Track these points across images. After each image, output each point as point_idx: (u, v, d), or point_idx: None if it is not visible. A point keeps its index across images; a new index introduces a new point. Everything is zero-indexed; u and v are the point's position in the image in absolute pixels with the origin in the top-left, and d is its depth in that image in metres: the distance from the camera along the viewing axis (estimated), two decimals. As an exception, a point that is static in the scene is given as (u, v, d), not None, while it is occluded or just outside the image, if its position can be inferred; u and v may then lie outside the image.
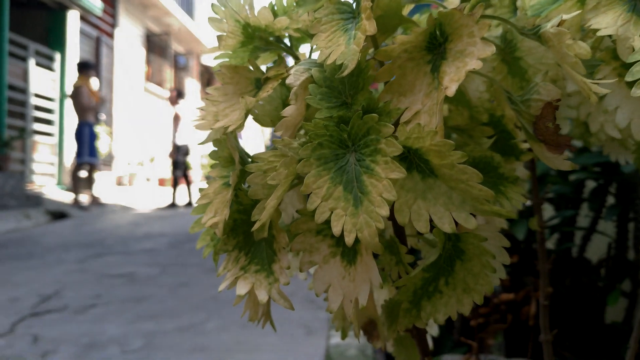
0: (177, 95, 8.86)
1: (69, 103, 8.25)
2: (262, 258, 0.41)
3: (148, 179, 12.13)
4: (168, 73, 14.54)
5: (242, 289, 0.39)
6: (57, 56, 9.00)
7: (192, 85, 16.29)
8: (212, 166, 0.45)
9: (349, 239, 0.33)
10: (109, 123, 10.41)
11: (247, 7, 0.44)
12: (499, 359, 1.09)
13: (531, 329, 1.17)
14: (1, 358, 2.10)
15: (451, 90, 0.34)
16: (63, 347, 2.22)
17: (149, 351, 2.19)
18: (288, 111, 0.39)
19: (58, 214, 6.77)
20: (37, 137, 8.57)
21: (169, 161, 9.14)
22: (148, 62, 13.41)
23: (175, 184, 8.87)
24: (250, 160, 0.44)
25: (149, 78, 13.46)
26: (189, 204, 8.88)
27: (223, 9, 0.45)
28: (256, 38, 0.45)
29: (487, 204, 0.34)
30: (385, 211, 0.32)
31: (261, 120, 0.47)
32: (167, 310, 2.81)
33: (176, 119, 8.71)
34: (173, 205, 8.63)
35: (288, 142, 0.36)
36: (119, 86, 11.47)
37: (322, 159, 0.35)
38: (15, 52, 7.84)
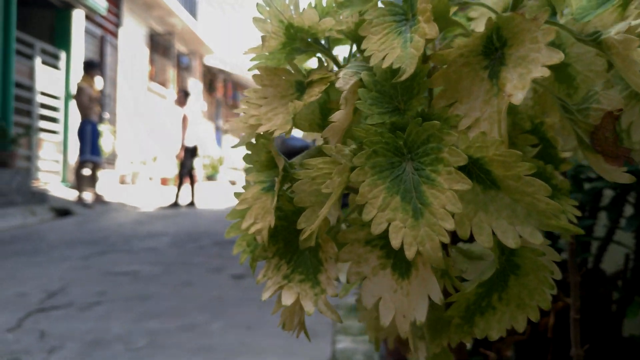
0: (185, 96, 8.90)
1: (73, 101, 8.26)
2: (307, 267, 0.39)
3: (151, 178, 12.14)
4: (171, 73, 14.55)
5: (287, 299, 0.38)
6: (63, 55, 9.02)
7: (194, 85, 16.30)
8: (246, 170, 0.44)
9: (410, 253, 0.32)
10: (112, 122, 10.42)
11: (292, 8, 0.43)
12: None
13: (549, 340, 1.16)
14: (9, 353, 2.09)
15: (517, 98, 0.32)
16: (69, 344, 2.21)
17: (153, 350, 2.18)
18: (337, 116, 0.38)
19: (62, 211, 6.78)
20: (42, 135, 8.58)
21: (175, 161, 9.15)
22: (151, 61, 13.42)
23: (180, 184, 8.88)
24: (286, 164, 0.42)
25: (153, 77, 13.47)
26: (192, 203, 8.88)
27: (268, 8, 0.44)
28: (297, 39, 0.44)
29: (554, 219, 0.32)
30: (450, 224, 0.31)
31: (299, 124, 0.45)
32: (171, 309, 2.80)
33: (184, 120, 8.74)
34: (176, 204, 8.63)
35: (340, 149, 0.35)
36: (123, 85, 11.48)
37: (376, 167, 0.33)
38: (22, 51, 7.86)
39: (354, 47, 0.45)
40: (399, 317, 0.34)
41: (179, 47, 15.20)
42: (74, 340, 2.26)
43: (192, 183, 9.05)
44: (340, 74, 0.39)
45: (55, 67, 8.90)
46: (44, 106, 8.63)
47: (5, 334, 2.31)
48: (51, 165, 8.87)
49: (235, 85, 20.70)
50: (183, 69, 15.57)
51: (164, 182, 12.36)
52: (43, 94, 8.56)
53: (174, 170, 11.64)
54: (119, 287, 3.23)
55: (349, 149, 0.35)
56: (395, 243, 0.32)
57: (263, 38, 0.44)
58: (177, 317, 2.64)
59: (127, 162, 11.30)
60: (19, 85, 7.79)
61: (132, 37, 12.02)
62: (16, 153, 7.09)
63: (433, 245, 0.31)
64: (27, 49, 8.04)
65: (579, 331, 0.63)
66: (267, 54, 0.45)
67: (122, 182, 11.05)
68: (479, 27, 0.39)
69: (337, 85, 0.38)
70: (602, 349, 1.41)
